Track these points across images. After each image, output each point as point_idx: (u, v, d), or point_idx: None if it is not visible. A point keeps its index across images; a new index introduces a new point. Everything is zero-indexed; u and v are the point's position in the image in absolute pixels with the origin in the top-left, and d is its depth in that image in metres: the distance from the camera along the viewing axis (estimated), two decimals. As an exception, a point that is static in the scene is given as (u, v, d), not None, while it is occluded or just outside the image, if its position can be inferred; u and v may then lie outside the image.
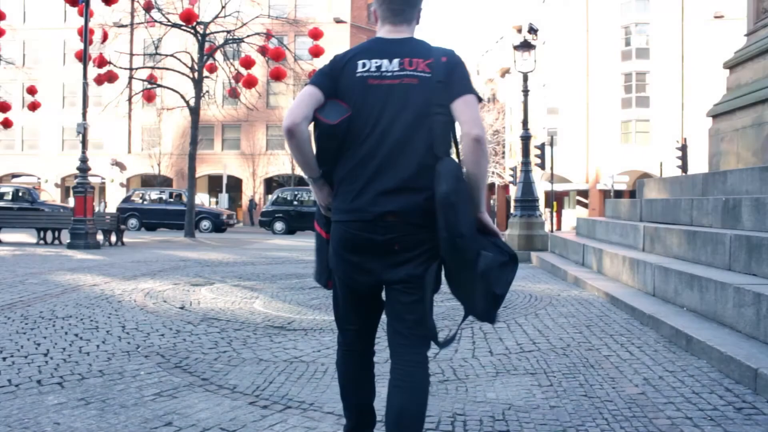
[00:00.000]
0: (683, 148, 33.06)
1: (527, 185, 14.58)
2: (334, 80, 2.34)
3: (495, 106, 55.78)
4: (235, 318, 5.92)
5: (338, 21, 41.82)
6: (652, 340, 5.02)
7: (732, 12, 29.81)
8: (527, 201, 14.41)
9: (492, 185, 52.50)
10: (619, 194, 40.33)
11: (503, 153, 54.34)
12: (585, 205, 45.83)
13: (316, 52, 19.04)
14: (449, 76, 2.29)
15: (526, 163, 14.96)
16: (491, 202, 51.60)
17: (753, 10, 9.40)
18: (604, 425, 3.13)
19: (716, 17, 31.75)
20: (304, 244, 18.94)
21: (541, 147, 32.24)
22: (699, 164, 23.45)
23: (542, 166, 31.28)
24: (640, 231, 8.18)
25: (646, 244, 7.88)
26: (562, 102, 46.75)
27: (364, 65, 2.32)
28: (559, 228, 35.56)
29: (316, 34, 19.06)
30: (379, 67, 2.31)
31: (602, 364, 4.29)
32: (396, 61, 2.30)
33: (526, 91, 15.41)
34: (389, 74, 2.30)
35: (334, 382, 3.78)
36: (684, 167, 32.26)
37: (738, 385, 3.74)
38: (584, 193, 46.47)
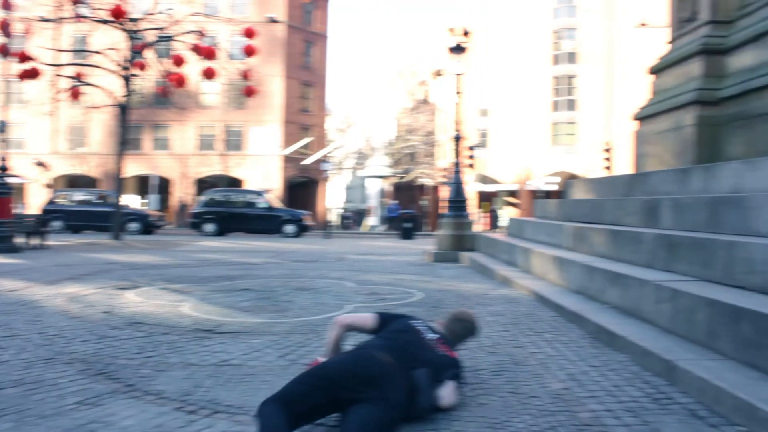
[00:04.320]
0: (609, 150, 34.11)
1: (458, 186, 14.76)
2: None
3: (427, 108, 56.22)
4: (163, 322, 5.78)
5: (273, 21, 41.43)
6: (578, 336, 5.15)
7: (656, 20, 30.87)
8: (458, 202, 14.58)
9: (422, 186, 52.93)
10: (549, 195, 41.23)
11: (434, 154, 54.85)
12: (515, 206, 46.69)
13: (250, 51, 18.82)
14: None
15: (457, 164, 15.15)
16: (422, 202, 51.98)
17: (674, 20, 9.78)
18: (530, 420, 3.19)
19: (641, 25, 32.82)
20: (235, 245, 18.71)
21: (473, 148, 32.62)
22: (625, 166, 24.19)
23: (473, 166, 31.66)
24: (567, 231, 8.38)
25: (572, 243, 8.07)
26: (494, 104, 47.53)
27: None
28: (491, 228, 36.08)
29: (250, 33, 18.84)
30: None
31: (529, 361, 4.37)
32: None
33: (458, 93, 15.61)
34: None
35: (263, 386, 3.75)
36: (610, 169, 33.28)
37: (656, 378, 3.88)
38: (514, 194, 47.34)
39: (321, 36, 50.79)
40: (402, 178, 53.16)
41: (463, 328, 4.01)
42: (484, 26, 46.94)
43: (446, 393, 3.36)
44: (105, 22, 19.42)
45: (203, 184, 44.16)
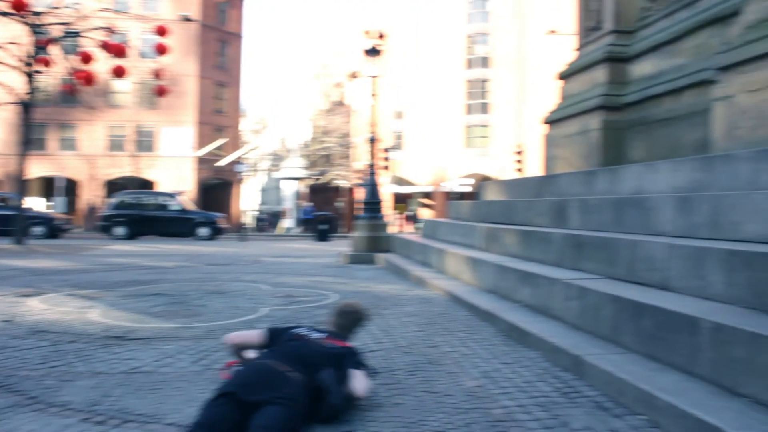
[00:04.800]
0: (521, 153, 35.04)
1: (373, 188, 14.84)
2: None
3: (343, 110, 56.27)
4: (69, 330, 5.55)
5: (186, 19, 40.51)
6: (491, 335, 5.27)
7: (565, 28, 31.97)
8: (373, 203, 14.65)
9: (338, 188, 52.93)
10: (463, 196, 41.96)
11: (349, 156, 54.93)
12: (430, 207, 47.28)
13: (162, 50, 18.33)
14: None
15: (372, 166, 15.23)
16: (338, 204, 51.98)
17: (581, 29, 10.16)
18: (445, 418, 3.25)
19: (551, 32, 33.91)
20: (146, 249, 18.20)
21: (388, 150, 32.83)
22: (536, 168, 24.91)
23: (388, 168, 31.88)
24: (480, 231, 8.55)
25: (485, 243, 8.24)
26: (409, 106, 48.03)
27: None
28: (414, 230, 36.40)
29: (162, 31, 18.35)
30: None
31: (444, 360, 4.44)
32: None
33: (373, 95, 15.69)
34: None
35: (176, 392, 3.67)
36: (522, 170, 34.19)
37: (565, 373, 4.01)
38: (429, 196, 47.95)
39: (236, 36, 50.06)
40: (317, 179, 53.03)
41: (349, 319, 4.07)
42: (399, 29, 47.38)
43: (357, 383, 3.42)
44: (5, 14, 18.49)
45: (113, 186, 42.71)
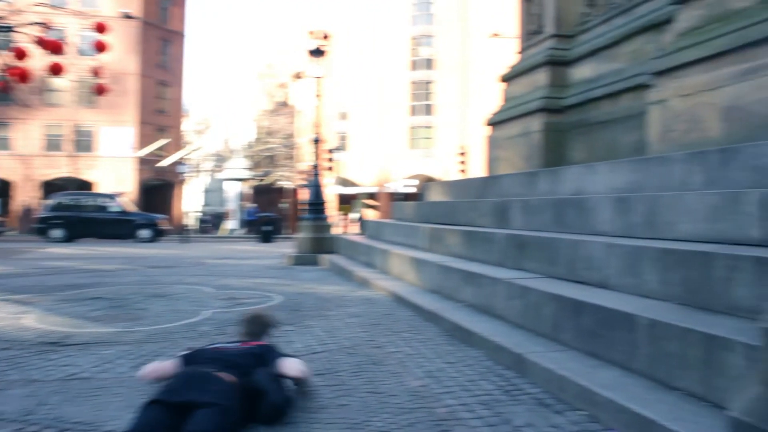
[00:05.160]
0: (464, 154, 35.41)
1: (317, 189, 14.79)
2: None
3: (287, 110, 55.91)
4: (2, 336, 5.36)
5: (127, 16, 39.60)
6: (434, 334, 5.30)
7: (507, 31, 32.46)
8: (317, 204, 14.60)
9: (282, 189, 52.57)
10: (407, 197, 42.14)
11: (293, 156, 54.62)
12: (374, 208, 47.36)
13: (101, 47, 17.88)
14: None
15: (316, 167, 15.17)
16: (282, 205, 51.63)
17: (523, 32, 10.33)
18: (389, 419, 3.26)
19: (494, 35, 34.38)
20: (85, 252, 17.74)
21: (332, 151, 32.77)
22: (479, 169, 25.25)
23: (333, 169, 31.82)
24: (424, 232, 8.60)
25: (429, 244, 8.29)
26: (354, 107, 48.00)
27: None
28: (361, 231, 36.37)
29: (101, 28, 17.89)
30: None
31: (388, 361, 4.46)
32: None
33: (318, 96, 15.64)
34: None
35: (115, 399, 3.59)
36: (465, 172, 34.54)
37: (508, 370, 4.07)
38: (374, 196, 48.02)
39: (178, 34, 49.18)
40: (261, 180, 52.52)
41: (257, 324, 4.10)
42: (344, 30, 47.32)
43: (289, 366, 3.48)
44: (-69, 9, 17.78)
45: (50, 187, 41.42)
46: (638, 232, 4.85)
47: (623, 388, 3.20)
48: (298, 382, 3.52)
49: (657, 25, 7.22)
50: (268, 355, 3.60)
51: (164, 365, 3.67)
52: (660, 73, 6.25)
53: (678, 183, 5.07)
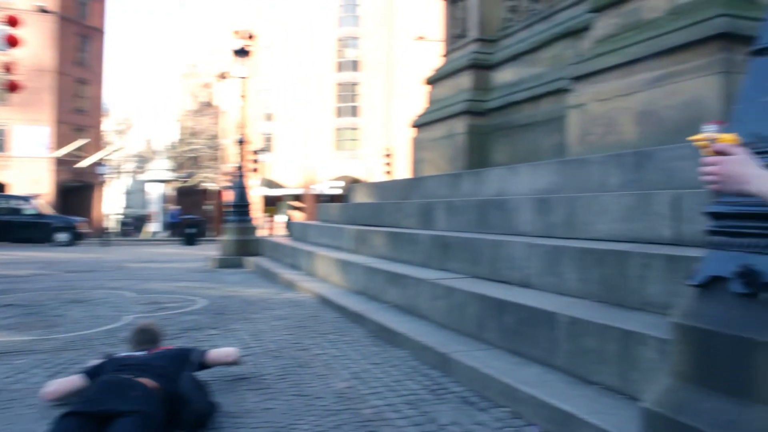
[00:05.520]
0: (390, 156, 35.61)
1: (242, 190, 14.60)
2: None
3: (212, 111, 54.96)
4: None
5: (43, 10, 38.05)
6: (360, 336, 5.31)
7: (432, 34, 32.83)
8: (241, 206, 14.42)
9: (206, 191, 51.64)
10: (333, 199, 42.05)
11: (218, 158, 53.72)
12: (300, 210, 47.10)
13: (13, 42, 17.16)
14: None
15: (241, 168, 14.99)
16: (206, 207, 50.74)
17: (448, 36, 10.47)
18: (315, 421, 3.24)
19: (419, 38, 34.67)
20: (-3, 256, 17.00)
21: (257, 152, 32.42)
22: (404, 170, 25.44)
23: (258, 171, 31.46)
24: (349, 233, 8.61)
25: (354, 245, 8.31)
26: (280, 108, 47.62)
27: None
28: (288, 231, 36.06)
29: (14, 21, 17.16)
30: None
31: (314, 363, 4.44)
32: None
33: (242, 97, 15.45)
34: None
35: (28, 410, 3.44)
36: (391, 173, 34.72)
37: (433, 370, 4.12)
38: (299, 198, 47.74)
39: (98, 31, 47.64)
40: (185, 182, 51.42)
41: (149, 334, 3.98)
42: (270, 31, 46.90)
43: (220, 352, 3.44)
44: None
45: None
46: (558, 232, 4.98)
47: (545, 384, 3.28)
48: (233, 364, 3.48)
49: (576, 32, 7.44)
50: (190, 354, 3.53)
51: (68, 381, 3.51)
52: (578, 78, 6.44)
53: (596, 184, 5.24)
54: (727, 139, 1.71)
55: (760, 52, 2.28)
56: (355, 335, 5.34)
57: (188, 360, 3.48)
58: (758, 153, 1.85)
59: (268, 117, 47.99)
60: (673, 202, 3.93)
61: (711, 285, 2.25)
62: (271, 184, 47.11)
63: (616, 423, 2.66)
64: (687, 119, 4.98)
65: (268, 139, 47.87)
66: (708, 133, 1.73)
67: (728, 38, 4.90)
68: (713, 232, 2.31)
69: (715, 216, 2.31)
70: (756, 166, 1.66)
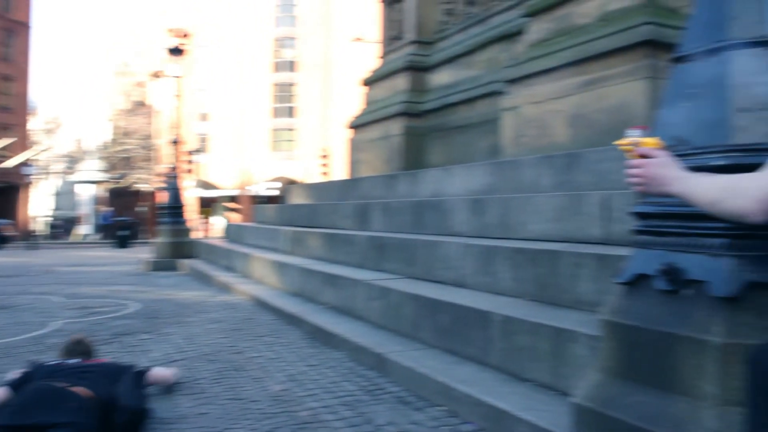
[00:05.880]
0: (327, 157, 35.54)
1: (176, 192, 14.33)
2: None
3: (145, 110, 53.78)
4: None
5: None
6: (297, 337, 5.28)
7: (370, 35, 32.93)
8: (175, 208, 14.15)
9: (139, 192, 50.53)
10: (269, 200, 41.69)
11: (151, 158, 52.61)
12: (236, 211, 46.53)
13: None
14: None
15: (175, 169, 14.71)
16: (139, 209, 49.64)
17: (385, 37, 10.51)
18: (251, 425, 3.21)
19: (356, 39, 34.71)
20: None
21: (192, 153, 31.91)
22: (341, 172, 25.41)
23: (193, 172, 30.97)
24: (285, 235, 8.55)
25: (290, 247, 8.26)
26: (215, 108, 46.95)
27: None
28: (228, 232, 35.52)
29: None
30: None
31: (249, 366, 4.39)
32: None
33: (177, 96, 15.17)
34: None
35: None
36: (328, 174, 34.65)
37: (370, 371, 4.12)
38: (235, 200, 47.17)
39: (23, 25, 45.98)
40: (117, 183, 50.16)
41: (83, 346, 3.83)
42: (205, 29, 46.18)
43: (158, 373, 3.48)
44: None
45: None
46: (493, 233, 5.05)
47: (480, 382, 3.33)
48: (169, 386, 3.40)
49: (510, 36, 7.58)
50: (124, 371, 3.41)
51: None
52: (513, 81, 6.56)
53: (529, 185, 5.34)
54: (650, 143, 1.80)
55: (680, 59, 2.37)
56: (291, 337, 5.31)
57: (125, 374, 3.37)
58: (679, 156, 1.92)
59: (203, 117, 47.25)
60: (602, 202, 4.03)
61: (637, 282, 2.33)
62: (206, 185, 46.40)
63: (549, 419, 2.72)
64: (616, 122, 5.12)
65: (203, 140, 47.15)
66: (632, 137, 1.82)
67: (653, 45, 5.07)
68: (639, 232, 2.39)
69: (641, 216, 2.39)
70: (677, 168, 1.73)
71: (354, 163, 10.67)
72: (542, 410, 2.84)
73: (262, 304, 6.85)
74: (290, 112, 46.78)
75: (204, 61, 45.61)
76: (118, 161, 52.17)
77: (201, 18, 47.02)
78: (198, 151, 42.73)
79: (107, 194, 51.55)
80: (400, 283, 4.95)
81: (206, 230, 36.41)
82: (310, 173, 40.72)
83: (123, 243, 25.66)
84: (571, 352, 3.01)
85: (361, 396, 3.63)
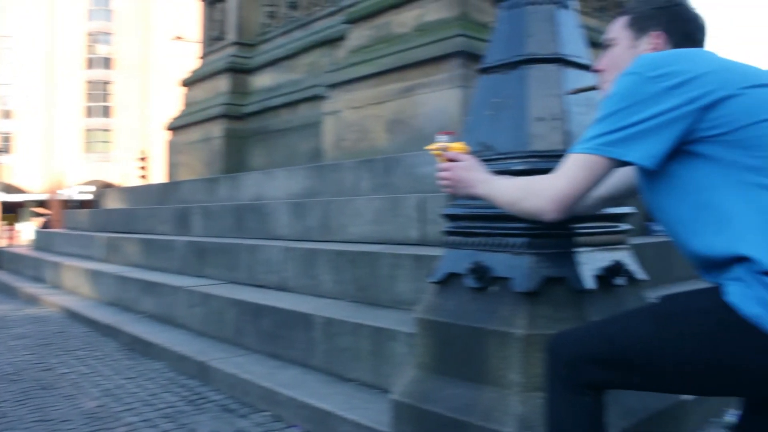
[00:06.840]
0: (145, 159, 34.02)
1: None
2: None
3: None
4: None
5: None
6: (113, 349, 5.02)
7: (190, 35, 31.97)
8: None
9: None
10: (83, 205, 39.27)
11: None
12: (45, 216, 43.39)
13: None
14: None
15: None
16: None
17: (206, 38, 10.26)
18: (60, 445, 3.02)
19: (176, 38, 33.57)
20: None
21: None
22: (161, 175, 24.48)
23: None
24: (100, 241, 8.12)
25: (105, 254, 7.85)
26: (21, 105, 43.45)
27: None
28: (36, 240, 32.80)
29: None
30: None
31: (59, 383, 4.11)
32: None
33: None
34: None
35: None
36: (146, 177, 33.20)
37: (192, 380, 4.01)
38: (45, 204, 43.98)
39: None
40: None
41: None
42: (11, 19, 42.60)
43: None
44: None
45: None
46: (314, 236, 5.10)
47: (303, 385, 3.35)
48: None
49: (332, 41, 7.69)
50: None
51: None
52: (334, 86, 6.66)
53: (349, 188, 5.45)
54: (457, 147, 1.92)
55: (486, 71, 2.54)
56: (106, 349, 5.04)
57: None
58: (484, 160, 2.07)
59: (7, 114, 43.59)
60: (418, 204, 4.21)
61: (448, 281, 2.46)
62: (10, 188, 42.80)
63: (371, 416, 2.80)
64: (432, 128, 5.34)
65: (7, 139, 43.50)
66: (441, 142, 1.93)
67: (466, 56, 5.36)
68: (450, 233, 2.53)
69: (451, 217, 2.53)
70: (482, 172, 1.86)
71: (173, 166, 10.32)
72: (365, 408, 2.92)
73: (74, 316, 6.44)
74: (106, 112, 44.39)
75: (9, 53, 42.06)
76: None
77: (6, 6, 43.33)
78: (1, 151, 39.34)
79: None
80: (222, 288, 4.88)
81: (11, 238, 33.58)
82: (128, 176, 38.85)
83: None
84: (390, 350, 3.12)
85: (182, 407, 3.53)
